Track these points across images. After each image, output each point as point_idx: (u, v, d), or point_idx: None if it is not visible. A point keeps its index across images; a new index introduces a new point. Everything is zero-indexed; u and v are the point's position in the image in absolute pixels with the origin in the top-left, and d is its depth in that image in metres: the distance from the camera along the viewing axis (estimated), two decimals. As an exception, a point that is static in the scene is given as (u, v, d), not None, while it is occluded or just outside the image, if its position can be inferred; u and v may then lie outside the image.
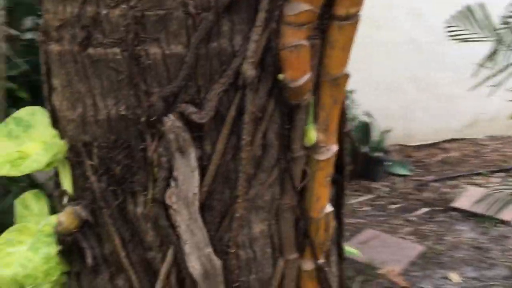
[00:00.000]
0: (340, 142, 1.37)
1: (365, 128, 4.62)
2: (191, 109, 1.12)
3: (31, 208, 1.45)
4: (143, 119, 1.14)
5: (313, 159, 1.26)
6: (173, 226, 1.19)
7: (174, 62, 1.11)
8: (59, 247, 1.31)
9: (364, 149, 4.51)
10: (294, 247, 1.31)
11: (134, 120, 1.16)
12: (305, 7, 1.08)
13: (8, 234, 1.38)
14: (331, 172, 1.30)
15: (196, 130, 1.15)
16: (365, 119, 4.64)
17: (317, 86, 1.22)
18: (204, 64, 1.12)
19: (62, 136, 1.28)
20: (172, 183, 1.16)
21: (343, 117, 1.35)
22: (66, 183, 1.30)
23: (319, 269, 1.33)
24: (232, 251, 1.22)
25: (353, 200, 4.61)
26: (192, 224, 1.18)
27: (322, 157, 1.25)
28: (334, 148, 1.27)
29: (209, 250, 1.19)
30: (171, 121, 1.12)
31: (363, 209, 4.46)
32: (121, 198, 1.23)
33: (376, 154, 4.60)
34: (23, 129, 1.30)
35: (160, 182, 1.16)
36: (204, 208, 1.20)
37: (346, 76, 1.20)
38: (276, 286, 1.31)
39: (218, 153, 1.16)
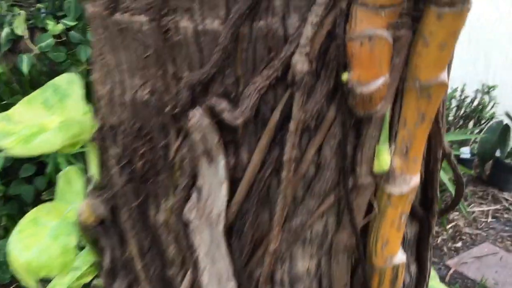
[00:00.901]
0: (430, 171, 1.03)
1: (502, 130, 4.03)
2: (223, 104, 0.87)
3: (73, 184, 1.31)
4: (168, 108, 0.91)
5: (383, 191, 0.95)
6: (192, 247, 0.96)
7: (208, 41, 0.86)
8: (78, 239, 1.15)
9: (498, 153, 3.96)
10: (346, 298, 1.02)
11: (159, 108, 0.93)
12: (389, -17, 0.77)
13: (38, 211, 1.25)
14: (407, 211, 0.97)
15: (230, 133, 0.90)
16: (505, 119, 4.06)
17: (399, 94, 0.90)
18: (245, 48, 0.86)
19: (96, 114, 1.10)
20: (194, 195, 0.93)
21: (437, 139, 1.01)
22: (93, 168, 1.13)
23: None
24: (263, 290, 0.97)
25: (475, 208, 4.15)
26: (214, 248, 0.94)
27: (396, 190, 0.93)
28: (415, 179, 0.95)
29: (232, 284, 0.95)
30: (197, 117, 0.88)
31: (486, 220, 4.01)
32: (142, 198, 1.02)
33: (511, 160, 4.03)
34: (59, 98, 1.15)
35: (180, 191, 0.94)
36: (232, 232, 0.95)
37: (443, 85, 0.87)
38: None
39: (254, 165, 0.90)
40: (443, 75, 0.86)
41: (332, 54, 0.84)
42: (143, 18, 0.89)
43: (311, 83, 0.85)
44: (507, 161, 4.12)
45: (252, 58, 0.86)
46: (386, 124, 0.90)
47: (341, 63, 0.84)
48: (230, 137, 0.91)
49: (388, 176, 0.93)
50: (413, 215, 1.07)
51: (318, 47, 0.84)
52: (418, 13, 0.84)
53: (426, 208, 1.11)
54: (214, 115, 0.88)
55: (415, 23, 0.85)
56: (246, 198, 0.93)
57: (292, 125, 0.85)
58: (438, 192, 1.09)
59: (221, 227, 0.93)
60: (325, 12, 0.81)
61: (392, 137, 0.92)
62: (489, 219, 4.12)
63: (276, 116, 0.88)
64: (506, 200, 4.26)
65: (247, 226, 0.94)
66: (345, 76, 0.84)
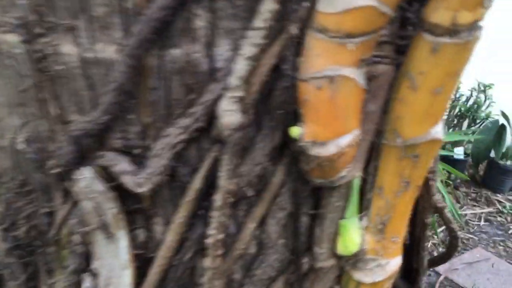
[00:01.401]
0: (416, 238, 0.78)
1: (498, 130, 3.81)
2: (123, 164, 0.61)
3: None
4: (50, 164, 0.65)
5: (351, 278, 0.69)
6: None
7: (102, 75, 0.60)
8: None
9: (492, 153, 3.75)
10: None
11: (42, 160, 0.67)
12: (361, 0, 0.50)
13: None
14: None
15: (137, 199, 0.64)
16: (500, 119, 3.84)
17: (374, 152, 0.64)
18: (154, 86, 0.59)
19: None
20: (87, 281, 0.67)
21: (425, 202, 0.75)
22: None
23: None
24: None
25: (468, 211, 3.94)
26: None
27: (367, 278, 0.68)
28: (395, 264, 0.69)
29: None
30: (87, 179, 0.61)
31: (478, 223, 3.81)
32: (30, 271, 0.76)
33: (506, 162, 3.82)
34: None
35: (68, 274, 0.68)
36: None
37: (435, 143, 0.61)
38: None
39: (169, 245, 0.65)
40: (436, 129, 0.60)
41: (278, 99, 0.58)
42: (14, 37, 0.62)
43: (246, 138, 0.59)
44: (502, 162, 3.93)
45: (165, 101, 0.60)
46: (355, 193, 0.64)
47: (291, 112, 0.58)
48: (137, 205, 0.65)
49: (357, 259, 0.68)
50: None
51: (258, 88, 0.57)
52: (405, 41, 0.58)
53: (410, 281, 0.86)
54: (110, 177, 0.62)
55: (400, 56, 0.59)
56: None
57: (218, 197, 0.59)
58: (425, 262, 0.84)
59: (126, 325, 0.67)
60: (266, 40, 0.55)
61: (363, 209, 0.67)
62: (482, 223, 3.92)
63: (198, 181, 0.61)
64: (500, 202, 4.08)
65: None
66: (295, 132, 0.57)
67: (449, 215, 0.91)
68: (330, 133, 0.57)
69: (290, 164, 0.61)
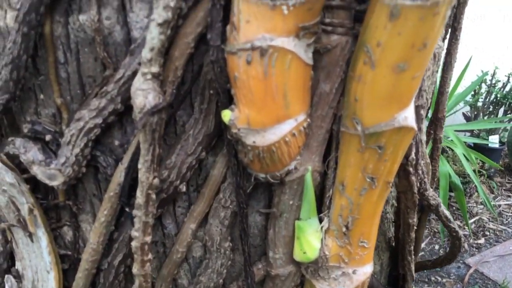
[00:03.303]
0: (401, 240, 0.67)
1: None
2: (32, 153, 0.52)
3: None
4: None
5: (312, 287, 0.59)
6: None
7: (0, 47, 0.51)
8: None
9: None
10: None
11: None
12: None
13: None
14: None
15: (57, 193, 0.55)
16: None
17: (333, 142, 0.53)
18: (64, 60, 0.50)
19: None
20: (10, 283, 0.59)
21: (408, 199, 0.64)
22: None
23: None
24: None
25: (502, 202, 3.78)
26: None
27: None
28: (365, 272, 0.58)
29: None
30: None
31: None
32: None
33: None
34: None
35: None
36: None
37: (405, 131, 0.49)
38: None
39: (93, 247, 0.56)
40: (405, 115, 0.49)
41: (207, 76, 0.48)
42: None
43: (162, 123, 0.49)
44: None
45: (77, 78, 0.50)
46: (309, 190, 0.54)
47: (224, 92, 0.48)
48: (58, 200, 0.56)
49: (317, 266, 0.57)
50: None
51: (182, 63, 0.47)
52: (364, 5, 0.47)
53: (394, 285, 0.75)
54: (20, 168, 0.53)
55: (358, 24, 0.48)
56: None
57: (139, 193, 0.50)
58: (412, 268, 0.73)
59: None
60: (185, 3, 0.44)
61: (325, 209, 0.56)
62: (517, 214, 3.74)
63: (119, 174, 0.52)
64: (536, 192, 3.89)
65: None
66: (226, 116, 0.47)
67: (446, 212, 0.79)
68: (267, 118, 0.46)
69: (230, 155, 0.51)
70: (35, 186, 0.56)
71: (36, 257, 0.57)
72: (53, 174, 0.51)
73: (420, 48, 0.44)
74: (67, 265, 0.60)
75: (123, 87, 0.48)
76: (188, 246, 0.57)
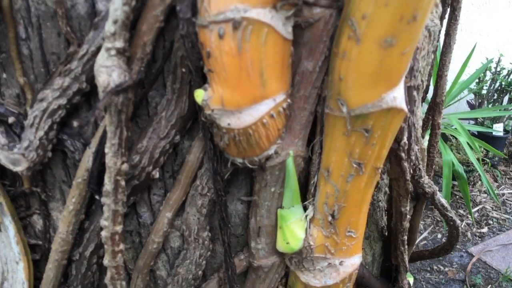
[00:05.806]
0: (393, 231, 0.64)
1: None
2: None
3: None
4: None
5: (297, 280, 0.56)
6: None
7: None
8: None
9: None
10: None
11: None
12: None
13: None
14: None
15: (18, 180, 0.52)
16: None
17: (318, 125, 0.49)
18: (25, 36, 0.46)
19: None
20: None
21: (401, 187, 0.60)
22: None
23: None
24: None
25: (506, 190, 3.74)
26: None
27: (316, 280, 0.54)
28: (352, 263, 0.55)
29: None
30: None
31: None
32: None
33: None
34: None
35: None
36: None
37: (394, 112, 0.46)
38: None
39: (63, 236, 0.52)
40: (393, 94, 0.45)
41: (179, 53, 0.44)
42: None
43: (130, 103, 0.45)
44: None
45: (40, 55, 0.47)
46: (291, 176, 0.50)
47: (197, 70, 0.44)
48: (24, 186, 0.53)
49: (302, 257, 0.54)
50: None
51: (151, 38, 0.43)
52: None
53: (391, 280, 0.72)
54: None
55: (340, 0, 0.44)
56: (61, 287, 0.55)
57: (106, 179, 0.46)
58: (405, 258, 0.69)
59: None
60: None
61: (310, 197, 0.52)
62: (522, 202, 3.70)
63: (87, 158, 0.48)
64: (540, 182, 3.85)
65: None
66: (199, 96, 0.43)
67: (443, 201, 0.75)
68: (242, 98, 0.42)
69: (206, 139, 0.47)
70: (2, 172, 0.53)
71: (5, 247, 0.54)
72: (16, 159, 0.48)
73: (409, 21, 0.40)
74: (38, 256, 0.56)
75: (87, 65, 0.44)
76: (164, 236, 0.54)
